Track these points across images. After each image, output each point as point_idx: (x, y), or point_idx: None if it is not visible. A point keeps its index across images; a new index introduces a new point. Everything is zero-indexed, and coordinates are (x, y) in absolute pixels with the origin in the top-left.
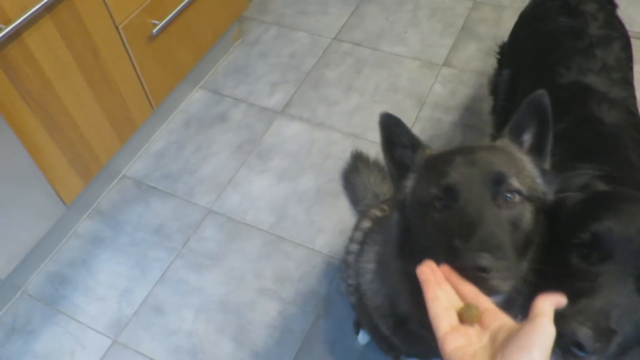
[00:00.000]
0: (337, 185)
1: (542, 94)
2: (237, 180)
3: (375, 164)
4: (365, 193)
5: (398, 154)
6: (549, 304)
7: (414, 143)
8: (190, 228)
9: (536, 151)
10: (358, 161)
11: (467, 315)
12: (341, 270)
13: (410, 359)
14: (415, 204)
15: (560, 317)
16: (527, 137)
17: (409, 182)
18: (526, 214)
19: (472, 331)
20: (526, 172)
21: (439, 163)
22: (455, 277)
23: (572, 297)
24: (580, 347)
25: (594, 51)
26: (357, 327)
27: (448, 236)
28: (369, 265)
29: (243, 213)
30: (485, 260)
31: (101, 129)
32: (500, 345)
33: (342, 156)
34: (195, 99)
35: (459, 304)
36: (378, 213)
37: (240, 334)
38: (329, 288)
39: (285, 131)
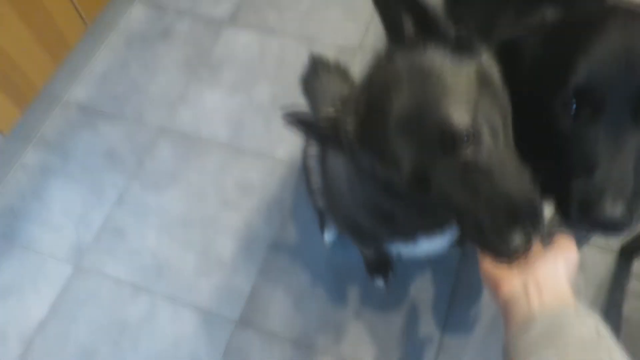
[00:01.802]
0: (294, 93)
1: None
2: (189, 96)
3: (336, 66)
4: (326, 97)
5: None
6: (569, 238)
7: (332, 125)
8: (144, 149)
9: (428, 33)
10: (317, 65)
11: None
12: (301, 173)
13: (392, 245)
14: (386, 180)
15: (587, 205)
16: (409, 28)
17: (362, 158)
18: (493, 117)
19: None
20: (450, 73)
21: (375, 141)
22: None
23: (580, 173)
24: (619, 226)
25: None
26: (322, 226)
27: (444, 209)
28: (339, 168)
29: (197, 129)
30: (518, 240)
31: (31, 51)
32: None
33: (297, 62)
34: (134, 16)
35: None
36: (332, 113)
37: (205, 247)
38: (293, 194)
39: (235, 41)
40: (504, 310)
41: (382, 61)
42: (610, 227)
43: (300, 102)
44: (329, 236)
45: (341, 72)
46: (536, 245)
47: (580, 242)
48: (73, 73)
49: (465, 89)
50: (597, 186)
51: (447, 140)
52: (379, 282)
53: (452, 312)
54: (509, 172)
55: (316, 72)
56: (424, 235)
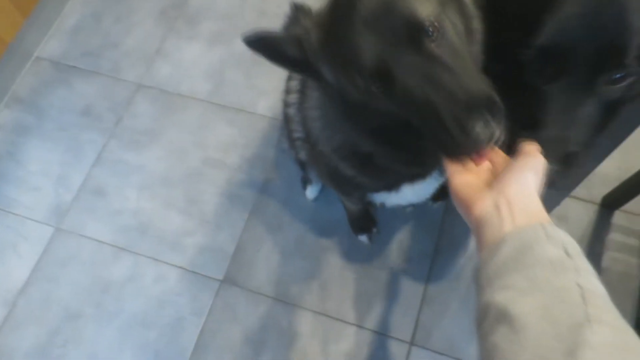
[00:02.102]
0: None
1: None
2: (166, 50)
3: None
4: None
5: (295, 58)
6: (533, 144)
7: (295, 41)
8: (121, 106)
9: None
10: (299, 14)
11: None
12: (283, 126)
13: (375, 194)
14: (350, 94)
15: None
16: None
17: (328, 75)
18: (457, 22)
19: (483, 173)
20: None
21: (338, 43)
22: None
23: (533, 126)
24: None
25: None
26: (304, 183)
27: (413, 113)
28: (315, 112)
29: (176, 84)
30: (479, 128)
31: None
32: (497, 176)
33: (278, 12)
34: None
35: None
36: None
37: (188, 206)
38: (276, 150)
39: None
40: (476, 232)
41: None
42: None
43: None
44: (311, 192)
45: None
46: (501, 158)
47: (561, 195)
48: (43, 27)
49: None
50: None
51: (412, 31)
52: (363, 239)
53: (436, 266)
54: (470, 70)
55: (298, 21)
56: (406, 182)
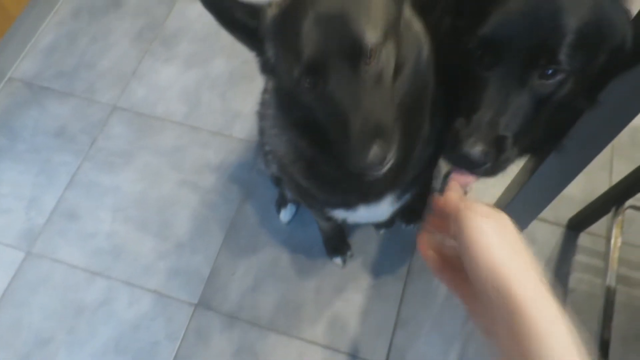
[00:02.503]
0: (251, 67)
1: None
2: (142, 71)
3: None
4: None
5: (243, 25)
6: (454, 192)
7: (251, 11)
8: (96, 127)
9: None
10: None
11: None
12: (258, 144)
13: (335, 211)
14: (284, 75)
15: (456, 141)
16: None
17: (270, 52)
18: (390, 58)
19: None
20: (382, 4)
21: (290, 27)
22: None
23: (466, 113)
24: (475, 164)
25: None
26: (279, 206)
27: (328, 116)
28: (268, 111)
29: (152, 106)
30: (377, 148)
31: None
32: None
33: None
34: None
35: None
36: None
37: (163, 229)
38: (250, 172)
39: (190, 12)
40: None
41: None
42: (466, 164)
43: (257, 77)
44: (285, 215)
45: None
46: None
47: (530, 217)
48: (17, 47)
49: (387, 22)
50: (469, 127)
51: (355, 49)
52: (337, 261)
53: (409, 287)
54: (385, 103)
55: None
56: (362, 203)
